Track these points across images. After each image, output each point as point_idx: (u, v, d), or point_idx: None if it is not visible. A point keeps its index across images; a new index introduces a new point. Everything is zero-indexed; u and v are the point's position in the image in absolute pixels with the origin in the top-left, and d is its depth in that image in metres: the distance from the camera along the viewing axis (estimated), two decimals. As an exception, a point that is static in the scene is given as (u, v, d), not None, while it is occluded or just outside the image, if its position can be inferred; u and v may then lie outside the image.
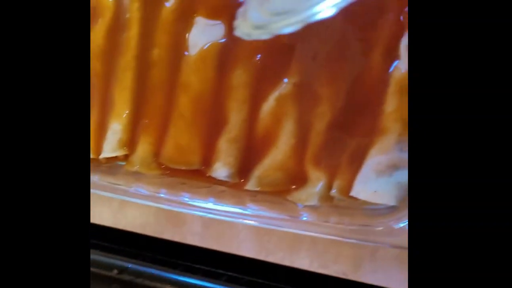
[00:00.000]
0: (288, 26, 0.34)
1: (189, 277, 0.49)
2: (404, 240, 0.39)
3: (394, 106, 0.39)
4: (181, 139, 0.45)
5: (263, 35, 0.35)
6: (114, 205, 0.52)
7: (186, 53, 0.44)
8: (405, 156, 0.39)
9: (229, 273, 0.49)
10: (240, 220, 0.43)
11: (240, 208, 0.43)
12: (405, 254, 0.44)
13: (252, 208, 0.43)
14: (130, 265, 0.50)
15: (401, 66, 0.39)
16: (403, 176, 0.39)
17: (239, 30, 0.37)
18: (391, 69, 0.40)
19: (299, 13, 0.33)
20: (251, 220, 0.43)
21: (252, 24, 0.36)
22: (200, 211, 0.44)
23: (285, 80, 0.42)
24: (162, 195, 0.45)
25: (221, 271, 0.49)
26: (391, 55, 0.40)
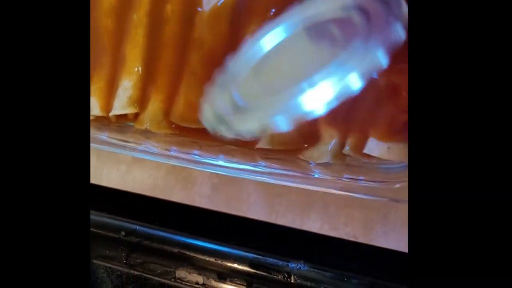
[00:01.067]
0: None
1: (198, 239, 0.49)
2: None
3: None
4: (193, 97, 0.44)
5: None
6: (123, 167, 0.52)
7: (199, 9, 0.44)
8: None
9: (239, 236, 0.49)
10: (251, 176, 0.43)
11: (251, 166, 0.43)
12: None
13: (262, 166, 0.42)
14: (137, 227, 0.50)
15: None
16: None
17: None
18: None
19: None
20: (262, 177, 0.42)
21: None
22: (210, 169, 0.44)
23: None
24: (172, 153, 0.44)
25: (230, 234, 0.49)
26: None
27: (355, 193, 0.40)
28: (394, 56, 0.39)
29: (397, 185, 0.39)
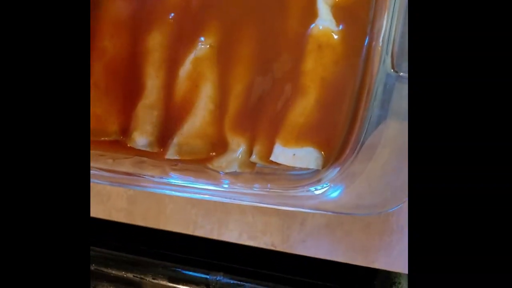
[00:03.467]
0: None
1: (115, 254, 0.47)
2: (325, 204, 0.37)
3: (312, 65, 0.38)
4: (97, 109, 0.42)
5: None
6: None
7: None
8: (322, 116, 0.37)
9: (156, 249, 0.47)
10: (163, 191, 0.41)
11: (162, 178, 0.41)
12: (333, 222, 0.42)
13: (174, 177, 0.41)
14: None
15: (319, 23, 0.38)
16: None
17: None
18: (310, 27, 0.38)
19: None
20: (173, 191, 0.41)
21: None
22: (118, 184, 0.42)
23: (201, 39, 0.40)
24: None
25: (148, 247, 0.47)
26: (309, 13, 0.38)
27: (266, 203, 0.39)
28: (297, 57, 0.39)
29: (302, 193, 0.38)
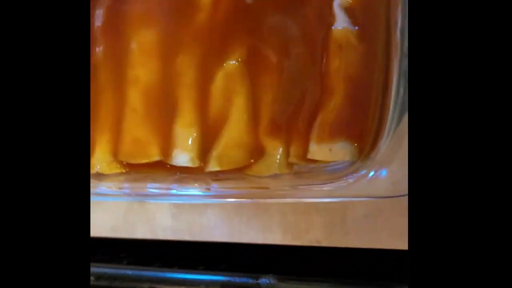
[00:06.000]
0: None
1: (166, 271, 0.49)
2: (363, 191, 0.39)
3: (336, 65, 0.40)
4: (137, 133, 0.45)
5: None
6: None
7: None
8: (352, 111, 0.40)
9: (205, 261, 0.49)
10: (207, 201, 0.43)
11: (205, 191, 0.44)
12: (373, 211, 0.44)
13: (216, 188, 0.43)
14: (106, 270, 0.50)
15: (337, 25, 0.40)
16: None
17: None
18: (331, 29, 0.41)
19: None
20: (217, 199, 0.43)
21: None
22: (167, 200, 0.44)
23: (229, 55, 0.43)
24: (126, 190, 0.45)
25: (197, 261, 0.49)
26: (327, 17, 0.41)
27: (310, 198, 0.41)
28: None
29: (345, 183, 0.40)
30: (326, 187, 0.41)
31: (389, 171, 0.39)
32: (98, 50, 0.46)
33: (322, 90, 0.41)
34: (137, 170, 0.46)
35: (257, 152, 0.43)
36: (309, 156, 0.41)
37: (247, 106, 0.43)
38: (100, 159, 0.46)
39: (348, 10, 0.40)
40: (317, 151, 0.41)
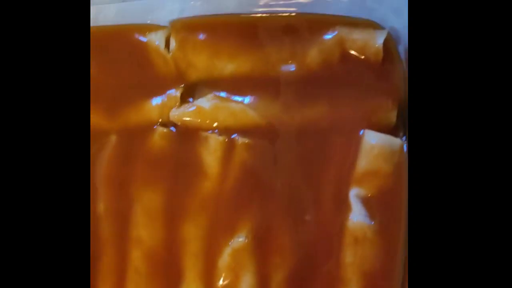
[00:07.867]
0: None
1: None
2: None
3: (351, 258, 0.39)
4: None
5: None
6: None
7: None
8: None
9: None
10: None
11: None
12: None
13: None
14: None
15: (353, 218, 0.38)
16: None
17: None
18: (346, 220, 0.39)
19: None
20: None
21: None
22: None
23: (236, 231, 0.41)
24: None
25: None
26: (342, 206, 0.39)
27: None
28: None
29: None
30: None
31: None
32: (101, 203, 0.44)
33: (337, 281, 0.39)
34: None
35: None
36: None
37: (255, 284, 0.41)
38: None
39: (365, 202, 0.38)
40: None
